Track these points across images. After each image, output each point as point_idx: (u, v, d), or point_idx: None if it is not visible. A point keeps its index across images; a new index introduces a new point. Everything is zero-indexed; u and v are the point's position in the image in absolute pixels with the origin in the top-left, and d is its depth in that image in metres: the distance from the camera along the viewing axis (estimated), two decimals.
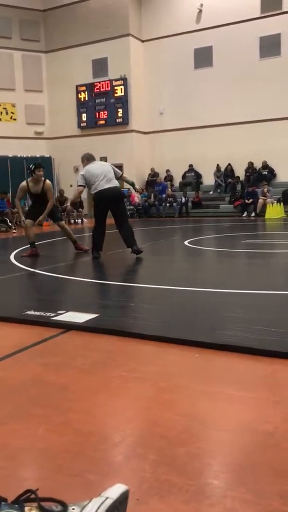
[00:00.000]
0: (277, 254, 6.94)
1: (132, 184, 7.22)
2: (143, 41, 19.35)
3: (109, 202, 6.40)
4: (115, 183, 6.44)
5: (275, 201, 15.65)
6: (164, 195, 18.17)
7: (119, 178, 6.71)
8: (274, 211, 14.94)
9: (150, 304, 3.84)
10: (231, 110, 17.68)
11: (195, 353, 2.67)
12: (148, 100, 19.52)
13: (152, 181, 19.21)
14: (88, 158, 6.76)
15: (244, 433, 1.79)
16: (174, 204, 17.75)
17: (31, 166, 7.16)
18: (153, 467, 1.58)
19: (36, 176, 7.05)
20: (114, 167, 6.65)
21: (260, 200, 15.89)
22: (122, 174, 6.87)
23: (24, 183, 7.17)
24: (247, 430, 1.81)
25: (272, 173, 17.27)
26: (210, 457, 1.64)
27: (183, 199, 17.65)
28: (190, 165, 18.82)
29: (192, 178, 18.77)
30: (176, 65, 18.74)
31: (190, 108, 18.53)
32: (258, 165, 17.52)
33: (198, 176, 18.81)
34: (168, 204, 17.88)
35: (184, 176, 19.04)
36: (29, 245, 7.23)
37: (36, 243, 7.20)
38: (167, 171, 19.41)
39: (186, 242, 8.41)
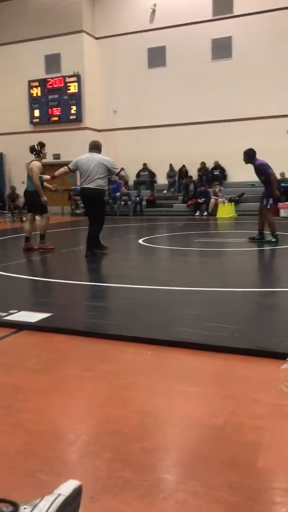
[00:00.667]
0: (228, 252, 7.11)
1: (127, 183, 7.31)
2: (96, 38, 19.25)
3: (83, 201, 6.58)
4: (96, 183, 6.33)
5: (227, 201, 16.01)
6: (118, 194, 18.17)
7: (117, 175, 6.69)
8: (225, 210, 15.27)
9: (104, 303, 3.85)
10: (184, 110, 17.91)
11: (148, 351, 2.70)
12: (102, 97, 19.44)
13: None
14: (89, 147, 6.59)
15: (195, 428, 1.83)
16: (129, 202, 17.78)
17: (36, 146, 7.15)
18: (108, 464, 1.59)
19: (43, 156, 7.17)
20: (112, 164, 6.48)
21: (212, 200, 16.21)
22: (119, 172, 6.70)
23: (37, 162, 7.09)
24: (198, 424, 1.85)
25: (223, 174, 17.65)
26: (163, 452, 1.68)
27: (138, 198, 17.71)
28: (144, 164, 18.91)
29: (146, 177, 18.88)
30: (130, 64, 18.76)
31: (144, 107, 18.62)
32: (210, 165, 17.85)
33: (152, 175, 18.94)
34: (122, 203, 17.89)
35: (138, 175, 19.11)
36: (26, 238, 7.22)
37: None
38: (121, 169, 19.37)
39: (140, 241, 8.46)
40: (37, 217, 7.46)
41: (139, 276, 5.20)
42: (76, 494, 1.22)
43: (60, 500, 1.17)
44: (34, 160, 7.15)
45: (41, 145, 7.22)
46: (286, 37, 16.28)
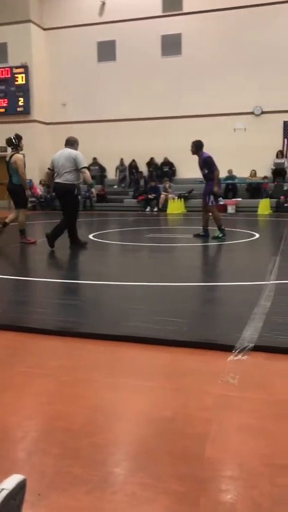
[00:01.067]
0: (176, 248, 7.21)
1: (90, 186, 7.25)
2: (45, 29, 18.86)
3: (56, 196, 6.74)
4: (64, 178, 6.38)
5: (176, 197, 16.19)
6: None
7: (79, 170, 6.53)
8: (175, 206, 15.44)
9: (54, 299, 3.80)
10: (134, 106, 17.91)
11: (99, 346, 2.70)
12: (51, 90, 19.09)
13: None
14: (65, 142, 6.65)
15: (145, 421, 1.86)
16: (79, 197, 17.57)
17: (13, 138, 7.11)
18: (56, 460, 1.58)
19: (20, 148, 7.16)
20: (78, 159, 6.44)
21: (162, 196, 16.35)
22: (81, 168, 6.58)
23: (20, 155, 7.08)
24: (148, 418, 1.88)
25: (172, 170, 17.82)
26: (113, 446, 1.69)
27: (88, 193, 17.56)
28: (94, 159, 18.77)
29: (96, 172, 18.75)
30: (79, 57, 18.53)
31: (94, 101, 18.46)
32: (160, 161, 17.97)
33: (102, 169, 18.84)
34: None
35: (88, 169, 18.93)
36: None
37: None
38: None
39: (91, 236, 8.41)
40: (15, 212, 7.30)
41: (89, 271, 5.17)
42: (20, 488, 1.21)
43: (3, 494, 1.15)
44: (15, 153, 7.05)
45: (18, 137, 7.19)
46: (234, 36, 16.61)
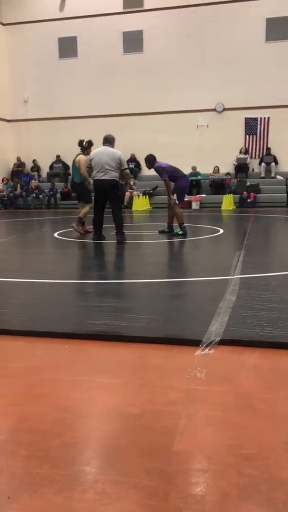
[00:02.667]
0: (141, 245, 7.22)
1: (127, 183, 7.65)
2: (4, 25, 18.48)
3: (97, 192, 6.93)
4: (110, 175, 6.70)
5: (141, 194, 16.22)
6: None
7: (123, 170, 6.93)
8: (140, 203, 15.48)
9: (16, 299, 3.74)
10: (98, 103, 17.81)
11: (65, 345, 2.68)
12: (11, 86, 18.74)
13: (18, 171, 18.56)
14: (103, 140, 6.98)
15: (113, 418, 1.86)
16: (41, 196, 17.34)
17: (84, 142, 7.87)
18: (25, 462, 1.56)
19: (87, 153, 7.72)
20: (123, 160, 6.90)
21: (127, 193, 16.34)
22: (125, 169, 7.04)
23: (83, 156, 7.76)
24: (116, 415, 1.88)
25: (138, 167, 17.83)
26: (82, 445, 1.68)
27: (52, 191, 17.35)
28: (58, 156, 18.57)
29: (60, 169, 18.55)
30: (40, 53, 18.26)
31: (56, 98, 18.24)
32: (126, 158, 17.93)
33: (66, 167, 18.65)
34: (34, 195, 17.40)
35: (51, 167, 18.72)
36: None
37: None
38: (34, 161, 18.91)
39: (55, 234, 8.32)
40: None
41: (54, 270, 5.12)
42: None
43: None
44: (80, 154, 7.84)
45: (89, 143, 7.93)
46: (195, 33, 16.76)
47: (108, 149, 6.85)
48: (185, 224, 7.63)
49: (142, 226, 10.66)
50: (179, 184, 7.62)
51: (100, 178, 6.74)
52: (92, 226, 7.28)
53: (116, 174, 6.77)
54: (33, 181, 17.85)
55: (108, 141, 6.96)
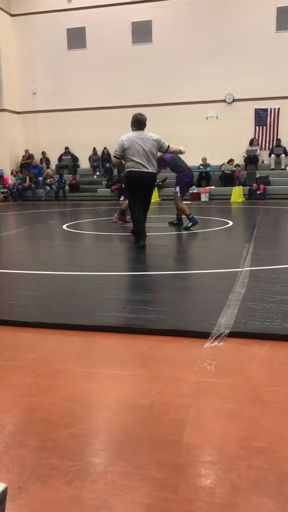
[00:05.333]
0: (152, 237, 7.20)
1: (180, 152, 6.46)
2: (12, 15, 18.41)
3: (138, 186, 5.76)
4: (153, 166, 5.70)
5: None
6: (40, 178, 17.71)
7: (166, 151, 5.97)
8: None
9: (27, 291, 3.75)
10: (106, 94, 17.73)
11: (74, 337, 2.68)
12: (20, 78, 18.71)
13: (27, 163, 18.58)
14: (134, 122, 5.82)
15: (123, 410, 1.86)
16: (54, 186, 17.33)
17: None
18: (35, 453, 1.57)
19: None
20: (161, 140, 5.79)
21: None
22: (169, 146, 5.95)
23: None
24: (126, 406, 1.88)
25: None
26: (92, 437, 1.68)
27: (60, 183, 17.36)
28: (66, 148, 18.56)
29: (69, 161, 18.54)
30: (49, 44, 18.19)
31: (65, 89, 18.19)
32: None
33: (75, 159, 18.63)
34: (47, 186, 17.30)
35: (60, 159, 18.72)
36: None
37: None
38: (43, 153, 18.92)
39: (64, 226, 8.33)
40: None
41: (63, 262, 5.13)
42: (3, 496, 1.19)
43: None
44: None
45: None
46: (205, 23, 16.58)
47: (146, 134, 5.74)
48: (192, 215, 7.56)
49: (151, 218, 10.63)
50: (180, 178, 7.53)
51: (145, 170, 5.65)
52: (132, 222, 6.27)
53: (156, 164, 5.79)
54: (48, 170, 17.85)
55: (144, 123, 5.82)
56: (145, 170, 5.63)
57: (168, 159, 7.30)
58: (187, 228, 7.44)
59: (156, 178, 5.89)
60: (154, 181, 5.89)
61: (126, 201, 7.55)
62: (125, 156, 5.69)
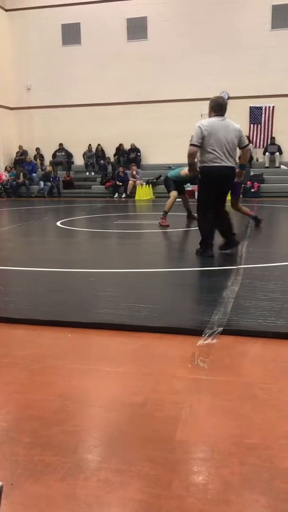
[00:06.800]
0: (145, 234, 7.20)
1: (243, 167, 5.33)
2: (6, 10, 18.28)
3: (220, 181, 4.81)
4: (233, 160, 4.79)
5: (144, 183, 16.15)
6: (34, 174, 17.62)
7: (242, 148, 4.97)
8: (143, 192, 15.41)
9: (21, 287, 3.74)
10: (101, 90, 17.65)
11: (67, 334, 2.68)
12: (14, 73, 18.58)
13: (21, 159, 18.49)
14: (214, 107, 4.77)
15: (116, 407, 1.86)
16: (49, 183, 17.22)
17: None
18: (27, 449, 1.57)
19: None
20: (243, 136, 4.86)
21: (130, 182, 16.27)
22: (247, 145, 5.04)
23: None
24: (119, 403, 1.88)
25: (139, 155, 17.72)
26: (85, 433, 1.69)
27: (58, 179, 17.27)
28: (61, 144, 18.48)
29: (63, 158, 18.47)
30: (43, 40, 18.08)
31: (60, 85, 18.09)
32: (127, 146, 17.83)
33: (69, 155, 18.56)
34: (42, 183, 17.17)
35: (54, 156, 18.64)
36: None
37: None
38: (37, 149, 18.83)
39: (58, 223, 8.31)
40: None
41: (57, 259, 5.12)
42: None
43: None
44: None
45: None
46: (200, 20, 16.54)
47: (227, 122, 4.74)
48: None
49: (145, 215, 10.63)
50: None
51: (226, 165, 4.69)
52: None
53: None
54: (48, 166, 17.76)
55: (225, 108, 4.84)
56: (225, 164, 4.67)
57: None
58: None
59: (235, 172, 4.94)
60: (234, 177, 4.93)
61: (169, 201, 7.46)
62: (202, 145, 4.67)
